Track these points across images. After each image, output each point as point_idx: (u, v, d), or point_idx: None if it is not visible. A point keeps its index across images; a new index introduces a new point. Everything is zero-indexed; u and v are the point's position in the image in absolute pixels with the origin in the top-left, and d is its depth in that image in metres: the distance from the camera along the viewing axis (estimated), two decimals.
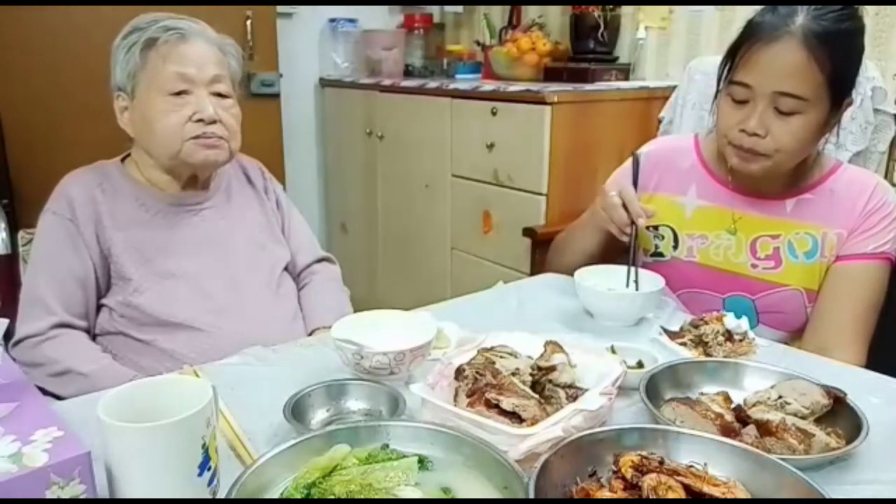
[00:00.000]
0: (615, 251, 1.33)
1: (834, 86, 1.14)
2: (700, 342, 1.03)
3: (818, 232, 1.25)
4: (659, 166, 1.38)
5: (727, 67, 1.21)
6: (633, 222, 1.21)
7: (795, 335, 1.29)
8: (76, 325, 1.21)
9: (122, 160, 1.34)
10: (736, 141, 1.20)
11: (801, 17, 1.13)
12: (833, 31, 1.12)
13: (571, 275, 1.33)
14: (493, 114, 2.24)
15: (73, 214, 1.23)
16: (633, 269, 1.21)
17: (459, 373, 0.83)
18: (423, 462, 0.68)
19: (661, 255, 1.37)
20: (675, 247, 1.35)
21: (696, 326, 1.06)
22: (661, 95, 2.22)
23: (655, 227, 1.36)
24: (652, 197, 1.38)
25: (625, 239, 1.23)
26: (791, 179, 1.27)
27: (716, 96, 1.27)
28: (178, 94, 1.22)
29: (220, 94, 1.26)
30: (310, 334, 1.34)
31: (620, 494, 0.63)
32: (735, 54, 1.19)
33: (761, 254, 1.28)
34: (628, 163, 1.36)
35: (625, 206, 1.22)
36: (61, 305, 1.20)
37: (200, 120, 1.23)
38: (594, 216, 1.32)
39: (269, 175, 1.50)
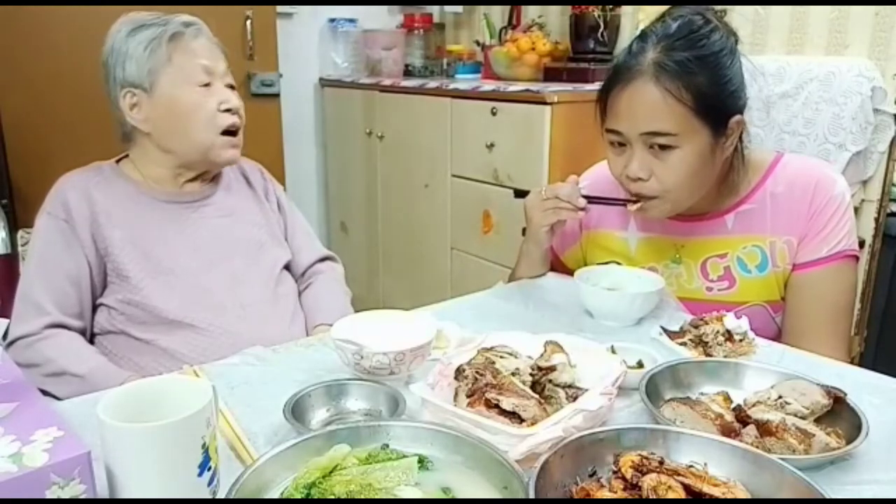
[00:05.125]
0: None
1: (704, 113, 1.10)
2: (700, 342, 1.03)
3: (764, 242, 1.22)
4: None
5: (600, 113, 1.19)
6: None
7: None
8: (70, 326, 1.21)
9: (118, 162, 1.34)
10: (626, 187, 1.18)
11: (651, 52, 1.10)
12: (683, 61, 1.09)
13: None
14: (493, 114, 2.24)
15: (68, 215, 1.23)
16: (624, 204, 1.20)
17: (459, 373, 0.83)
18: (423, 462, 0.68)
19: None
20: None
21: (696, 326, 1.06)
22: None
23: (606, 265, 1.32)
24: (595, 234, 1.37)
25: (581, 214, 1.19)
26: (724, 194, 1.24)
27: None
28: (204, 86, 1.26)
29: (231, 87, 1.31)
30: (312, 331, 1.35)
31: (620, 494, 0.63)
32: (600, 102, 1.17)
33: (713, 275, 1.25)
34: None
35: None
36: (55, 306, 1.20)
37: (228, 109, 1.27)
38: (532, 229, 1.27)
39: (270, 176, 1.51)
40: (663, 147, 1.11)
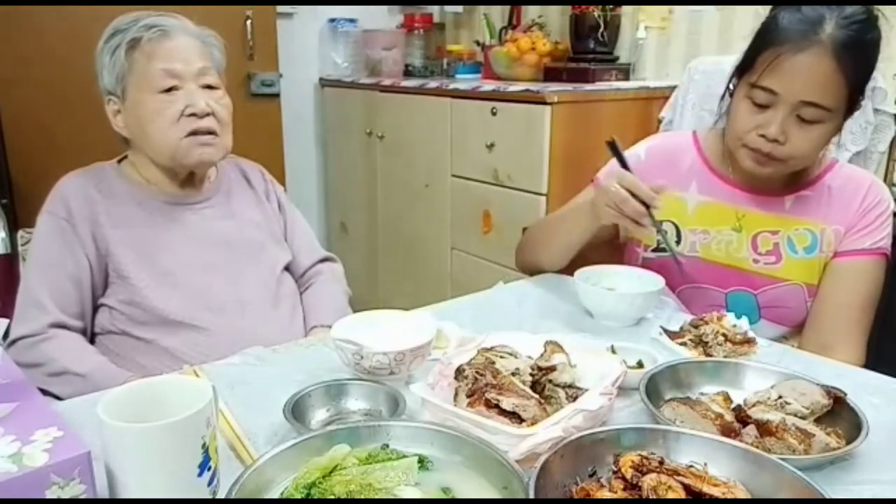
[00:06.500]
0: (594, 245, 1.35)
1: (854, 95, 1.15)
2: (700, 342, 1.03)
3: (817, 228, 1.27)
4: (660, 164, 1.36)
5: (743, 68, 1.20)
6: (648, 208, 1.13)
7: (797, 330, 1.30)
8: (71, 326, 1.21)
9: (119, 161, 1.34)
10: (753, 144, 1.19)
11: (830, 25, 1.11)
12: (859, 42, 1.11)
13: (549, 269, 1.38)
14: (493, 114, 2.24)
15: (68, 214, 1.23)
16: (676, 260, 1.20)
17: (459, 373, 0.83)
18: (423, 462, 0.68)
19: (663, 250, 1.36)
20: (678, 242, 1.35)
21: (696, 326, 1.06)
22: (661, 95, 2.22)
23: (659, 222, 1.34)
24: (652, 188, 1.37)
25: (642, 231, 1.17)
26: (791, 176, 1.28)
27: (725, 94, 1.26)
28: (168, 90, 1.22)
29: (209, 87, 1.26)
30: (308, 332, 1.35)
31: (620, 494, 0.63)
32: (755, 56, 1.17)
33: (762, 249, 1.29)
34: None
35: (632, 195, 1.13)
36: (56, 305, 1.20)
37: (193, 114, 1.23)
38: (595, 212, 1.22)
39: (270, 177, 1.50)
40: (810, 120, 1.14)
